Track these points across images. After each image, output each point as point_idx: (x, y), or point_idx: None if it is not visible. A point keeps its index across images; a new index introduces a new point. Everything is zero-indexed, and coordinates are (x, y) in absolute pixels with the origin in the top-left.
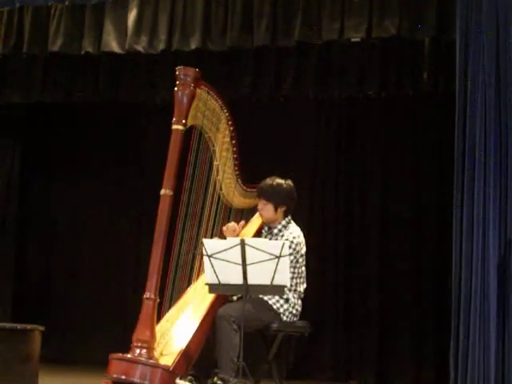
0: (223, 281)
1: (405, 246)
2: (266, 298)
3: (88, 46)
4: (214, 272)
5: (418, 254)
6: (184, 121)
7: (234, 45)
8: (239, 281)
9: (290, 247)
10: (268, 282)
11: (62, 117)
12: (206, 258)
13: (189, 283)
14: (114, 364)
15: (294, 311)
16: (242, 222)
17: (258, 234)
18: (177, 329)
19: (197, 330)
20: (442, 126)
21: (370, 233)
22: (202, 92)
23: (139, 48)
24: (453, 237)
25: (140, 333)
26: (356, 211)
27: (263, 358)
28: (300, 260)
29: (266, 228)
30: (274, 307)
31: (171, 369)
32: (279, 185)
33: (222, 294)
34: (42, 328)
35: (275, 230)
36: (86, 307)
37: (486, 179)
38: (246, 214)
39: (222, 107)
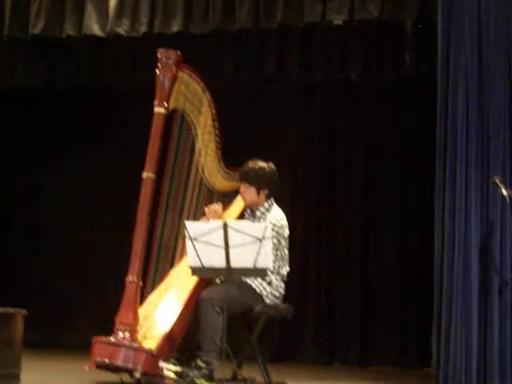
0: (206, 264)
1: (388, 228)
2: (249, 280)
3: (69, 29)
4: (197, 255)
5: (403, 236)
6: (166, 104)
7: (216, 27)
8: (222, 264)
9: (272, 230)
10: (251, 265)
11: (43, 101)
12: (188, 241)
13: (171, 266)
14: (98, 347)
15: (277, 294)
16: (221, 205)
17: (240, 216)
18: (160, 312)
19: (180, 313)
20: (423, 110)
21: (354, 215)
22: (184, 75)
23: (121, 31)
24: (435, 219)
25: (123, 316)
26: (339, 194)
27: (246, 341)
28: (283, 243)
29: (249, 211)
30: (257, 290)
31: (155, 352)
32: (261, 168)
33: (205, 277)
34: (24, 312)
35: (258, 213)
36: (69, 291)
37: (467, 162)
38: (228, 197)
39: (203, 90)
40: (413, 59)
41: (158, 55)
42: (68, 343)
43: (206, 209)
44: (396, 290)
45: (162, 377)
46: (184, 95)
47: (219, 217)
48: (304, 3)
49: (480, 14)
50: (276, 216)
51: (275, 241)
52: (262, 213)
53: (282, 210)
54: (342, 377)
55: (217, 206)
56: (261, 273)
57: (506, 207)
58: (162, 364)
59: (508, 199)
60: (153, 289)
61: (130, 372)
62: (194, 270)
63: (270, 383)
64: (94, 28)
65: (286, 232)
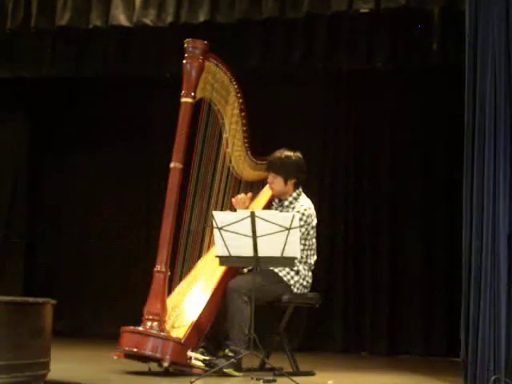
0: (234, 253)
1: (415, 218)
2: (276, 270)
3: (96, 20)
4: (225, 244)
5: (429, 224)
6: (193, 93)
7: (242, 17)
8: (249, 253)
9: (301, 219)
10: (278, 254)
11: (71, 91)
12: (216, 231)
13: (199, 256)
14: (126, 337)
15: (305, 283)
16: (250, 194)
17: (267, 206)
18: (188, 301)
19: (208, 302)
20: (451, 99)
21: (381, 204)
22: (211, 64)
23: (147, 21)
24: (463, 207)
25: (151, 306)
26: (366, 184)
27: (274, 330)
28: (311, 232)
29: (277, 200)
30: (285, 279)
31: (182, 341)
32: (288, 157)
33: (233, 266)
34: (53, 301)
35: (286, 203)
36: (98, 281)
37: (496, 150)
38: (255, 187)
39: (230, 79)
40: (440, 47)
41: (185, 45)
42: (96, 332)
43: (233, 199)
44: (424, 279)
45: (190, 366)
46: (211, 85)
47: (246, 207)
48: None
49: (508, 2)
50: (304, 205)
51: (303, 230)
52: (290, 202)
53: (310, 197)
54: (370, 366)
55: (244, 196)
56: (288, 262)
57: None
58: (190, 353)
59: None
60: (181, 278)
61: (159, 361)
62: (222, 260)
63: (298, 372)
64: (121, 18)
65: (314, 221)
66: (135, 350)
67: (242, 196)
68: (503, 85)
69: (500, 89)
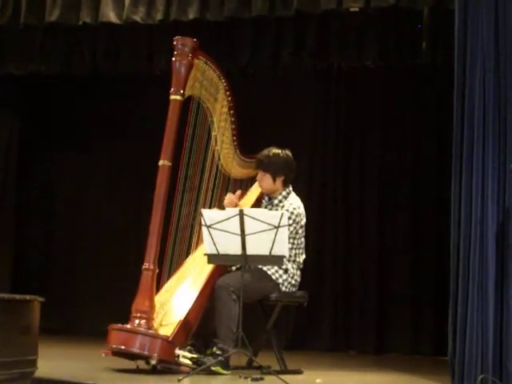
0: (222, 251)
1: (404, 215)
2: (265, 268)
3: (85, 17)
4: (213, 242)
5: (417, 223)
6: (182, 91)
7: (232, 15)
8: (238, 251)
9: (289, 218)
10: (267, 253)
11: (60, 88)
12: (204, 229)
13: (188, 254)
14: (114, 334)
15: (293, 281)
16: (239, 192)
17: (257, 204)
18: (176, 299)
19: (196, 300)
20: (440, 97)
21: (369, 203)
22: (200, 62)
23: (137, 18)
24: (451, 207)
25: (139, 303)
26: (355, 180)
27: (262, 328)
28: (300, 231)
29: (267, 198)
30: (273, 277)
31: (170, 339)
32: (276, 155)
33: (221, 264)
34: (41, 299)
35: (275, 201)
36: (86, 278)
37: (484, 150)
38: (244, 185)
39: (219, 77)
40: (429, 45)
41: (174, 43)
42: (84, 330)
43: (226, 200)
44: (412, 278)
45: (178, 364)
46: (200, 82)
47: (236, 206)
48: None
49: (497, 1)
50: (294, 204)
51: (292, 229)
52: (280, 200)
53: (299, 196)
54: (358, 365)
55: (232, 196)
56: (277, 260)
57: None
58: (178, 351)
59: None
60: (169, 276)
61: (146, 359)
62: (210, 258)
63: (286, 371)
64: (111, 15)
65: (303, 220)
66: (123, 347)
67: (230, 195)
68: (492, 84)
69: (489, 88)
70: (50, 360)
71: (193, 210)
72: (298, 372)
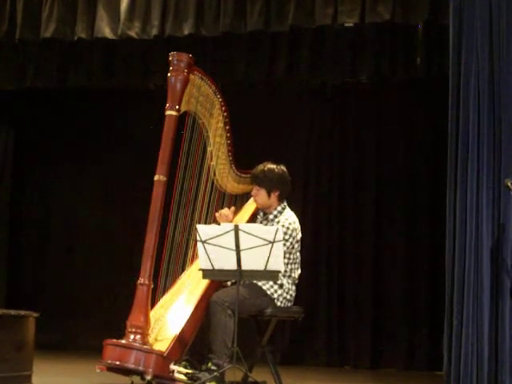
0: (217, 266)
1: (399, 229)
2: (260, 283)
3: (81, 32)
4: (208, 258)
5: (413, 237)
6: (177, 106)
7: (227, 30)
8: (233, 266)
9: (285, 233)
10: (262, 268)
11: (55, 103)
12: (199, 244)
13: (183, 269)
14: (109, 350)
15: (288, 296)
16: (233, 208)
17: (252, 219)
18: (171, 314)
19: (191, 315)
20: (434, 111)
21: (364, 217)
22: (196, 77)
23: (132, 34)
24: (446, 220)
25: (134, 318)
26: (350, 198)
27: (257, 343)
28: (295, 246)
29: (262, 214)
30: (268, 292)
31: (165, 354)
32: (271, 170)
33: (216, 279)
34: (36, 314)
35: (271, 216)
36: (81, 293)
37: (479, 164)
38: (239, 200)
39: (215, 93)
40: (424, 60)
41: (170, 58)
42: (79, 345)
43: (217, 214)
44: (407, 292)
45: (173, 379)
46: (196, 98)
47: (230, 220)
48: (315, 6)
49: (492, 17)
50: (289, 219)
51: (288, 244)
52: (275, 216)
53: (294, 211)
54: (353, 380)
55: (227, 211)
56: (272, 275)
57: None
58: (173, 366)
59: None
60: (164, 291)
61: (141, 374)
62: (205, 273)
63: None
64: (106, 31)
65: (299, 235)
66: (118, 362)
67: (225, 210)
68: (486, 97)
69: (483, 100)
70: (45, 375)
71: (188, 225)
72: None
